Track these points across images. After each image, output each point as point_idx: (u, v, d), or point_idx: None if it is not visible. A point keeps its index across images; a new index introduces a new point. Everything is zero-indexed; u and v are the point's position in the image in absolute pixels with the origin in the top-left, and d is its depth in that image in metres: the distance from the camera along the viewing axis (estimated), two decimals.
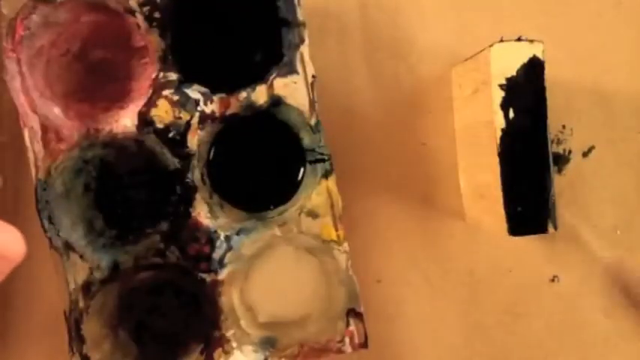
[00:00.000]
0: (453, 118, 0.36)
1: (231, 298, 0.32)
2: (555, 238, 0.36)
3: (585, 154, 0.37)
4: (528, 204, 0.29)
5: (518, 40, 0.29)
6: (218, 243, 0.31)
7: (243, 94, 0.31)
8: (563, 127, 0.36)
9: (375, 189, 0.36)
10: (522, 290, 0.36)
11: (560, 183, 0.36)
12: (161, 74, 0.31)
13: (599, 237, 0.36)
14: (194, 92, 0.31)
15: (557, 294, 0.36)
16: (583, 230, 0.36)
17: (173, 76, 0.31)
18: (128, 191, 0.33)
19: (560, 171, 0.36)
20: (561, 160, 0.36)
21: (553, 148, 0.36)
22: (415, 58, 0.36)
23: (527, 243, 0.36)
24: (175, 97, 0.31)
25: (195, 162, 0.31)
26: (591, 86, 0.37)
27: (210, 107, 0.31)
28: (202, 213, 0.31)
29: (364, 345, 0.32)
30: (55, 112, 0.31)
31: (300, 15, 0.31)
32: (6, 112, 0.34)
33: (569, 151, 0.36)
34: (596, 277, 0.36)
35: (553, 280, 0.36)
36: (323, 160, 0.32)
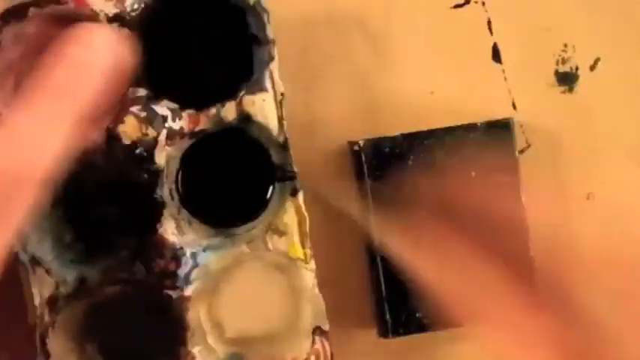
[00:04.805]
0: None
1: (198, 315, 0.32)
2: None
3: (592, 68, 0.37)
4: None
5: None
6: (184, 260, 0.31)
7: (213, 111, 0.31)
8: (565, 45, 0.36)
9: None
10: None
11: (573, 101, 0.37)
12: (129, 90, 0.31)
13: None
14: (162, 109, 0.31)
15: None
16: None
17: (141, 92, 0.31)
18: (96, 206, 0.33)
19: (571, 90, 0.36)
20: (570, 78, 0.36)
21: (560, 68, 0.37)
22: None
23: None
24: (143, 114, 0.31)
25: (163, 178, 0.31)
26: None
27: (179, 123, 0.31)
28: (169, 230, 0.31)
29: None
30: None
31: (270, 32, 0.31)
32: None
33: (577, 68, 0.37)
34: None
35: None
36: (291, 178, 0.32)
